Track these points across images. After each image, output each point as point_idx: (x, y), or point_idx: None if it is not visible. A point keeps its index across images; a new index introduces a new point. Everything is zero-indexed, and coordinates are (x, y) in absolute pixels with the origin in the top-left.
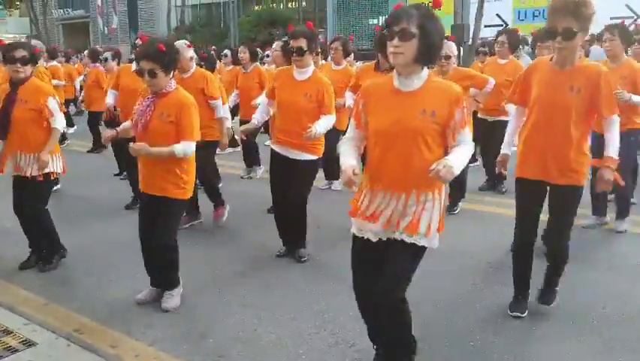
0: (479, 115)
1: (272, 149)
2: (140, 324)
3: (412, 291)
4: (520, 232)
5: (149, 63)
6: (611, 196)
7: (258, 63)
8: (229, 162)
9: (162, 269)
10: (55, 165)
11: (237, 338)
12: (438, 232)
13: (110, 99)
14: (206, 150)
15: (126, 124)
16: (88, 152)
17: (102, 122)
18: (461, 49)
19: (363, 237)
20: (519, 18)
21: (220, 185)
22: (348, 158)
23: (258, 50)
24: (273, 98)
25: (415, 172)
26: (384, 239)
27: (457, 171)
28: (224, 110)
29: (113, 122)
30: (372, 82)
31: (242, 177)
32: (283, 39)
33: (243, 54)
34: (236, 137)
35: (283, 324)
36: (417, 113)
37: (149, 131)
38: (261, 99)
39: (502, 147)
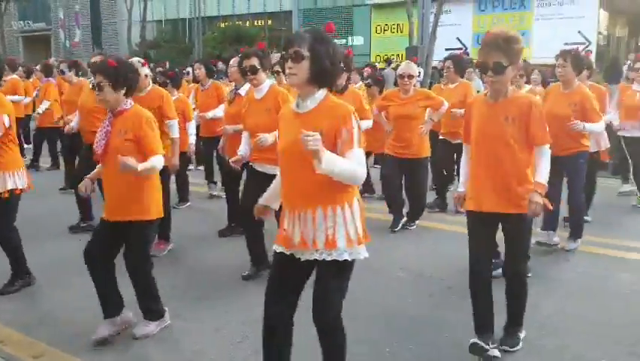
0: (441, 137)
1: (250, 166)
2: (66, 335)
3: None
4: (474, 264)
5: (98, 76)
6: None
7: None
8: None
9: (138, 297)
10: (19, 180)
11: (162, 348)
12: (364, 241)
13: (74, 121)
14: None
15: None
16: (48, 169)
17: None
18: (421, 70)
19: (283, 252)
20: (478, 42)
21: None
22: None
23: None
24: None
25: (316, 189)
26: (303, 259)
27: (325, 156)
28: (190, 128)
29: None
30: (287, 104)
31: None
32: (239, 55)
33: (199, 70)
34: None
35: (210, 335)
36: None
37: (109, 153)
38: (215, 113)
39: (459, 185)
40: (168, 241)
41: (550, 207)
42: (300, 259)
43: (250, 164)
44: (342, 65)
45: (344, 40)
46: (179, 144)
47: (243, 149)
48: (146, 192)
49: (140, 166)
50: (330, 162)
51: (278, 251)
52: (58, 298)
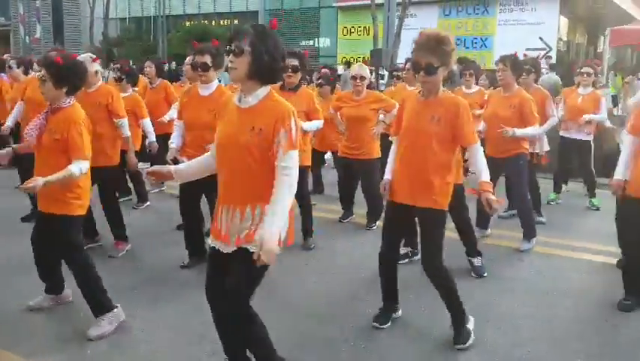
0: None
1: (183, 162)
2: (18, 335)
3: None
4: (383, 249)
5: (43, 70)
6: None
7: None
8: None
9: (83, 293)
10: None
11: (117, 348)
12: (288, 244)
13: (14, 113)
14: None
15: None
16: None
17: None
18: (386, 72)
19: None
20: None
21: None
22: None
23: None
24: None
25: (247, 187)
26: (225, 252)
27: (276, 246)
28: (147, 126)
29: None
30: (228, 96)
31: (149, 191)
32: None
33: (149, 68)
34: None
35: (166, 334)
36: (247, 130)
37: (41, 146)
38: (170, 115)
39: (386, 172)
40: (126, 240)
41: (502, 202)
42: (227, 253)
43: (182, 159)
44: (284, 61)
45: (311, 42)
46: (132, 142)
47: (176, 141)
48: (70, 189)
49: (52, 178)
50: (275, 231)
51: (211, 245)
52: (4, 299)
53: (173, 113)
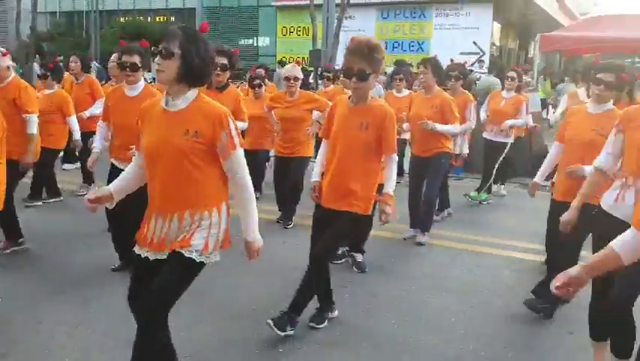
0: None
1: (113, 164)
2: None
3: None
4: (313, 250)
5: None
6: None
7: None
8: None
9: None
10: None
11: (42, 356)
12: (222, 247)
13: None
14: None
15: None
16: None
17: None
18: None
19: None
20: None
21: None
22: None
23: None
24: (108, 120)
25: (185, 192)
26: (152, 258)
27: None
28: (73, 124)
29: None
30: (150, 101)
31: (77, 194)
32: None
33: (74, 64)
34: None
35: (94, 340)
36: (180, 133)
37: None
38: (91, 111)
39: (313, 174)
40: (16, 239)
41: (397, 218)
42: (156, 259)
43: (112, 161)
44: (214, 64)
45: (250, 41)
46: (34, 142)
47: (99, 144)
48: None
49: None
50: (255, 229)
51: (137, 252)
52: None
53: (94, 109)
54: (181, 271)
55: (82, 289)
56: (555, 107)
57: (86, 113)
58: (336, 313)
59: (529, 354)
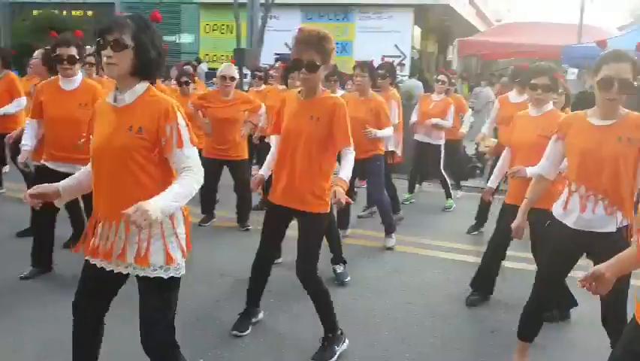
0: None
1: (45, 166)
2: None
3: None
4: (259, 252)
5: None
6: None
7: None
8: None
9: None
10: None
11: None
12: (187, 250)
13: None
14: None
15: None
16: None
17: None
18: (249, 72)
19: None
20: None
21: None
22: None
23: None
24: (40, 116)
25: (131, 195)
26: (108, 269)
27: (158, 214)
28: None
29: None
30: (102, 99)
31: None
32: (46, 47)
33: None
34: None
35: (5, 355)
36: (124, 130)
37: None
38: (5, 110)
39: (262, 168)
40: None
41: (350, 202)
42: (112, 270)
43: (43, 162)
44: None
45: (173, 37)
46: None
47: (29, 142)
48: None
49: None
50: (157, 208)
51: (86, 258)
52: None
53: (9, 108)
54: (157, 294)
55: (13, 308)
56: (473, 109)
57: (0, 111)
58: (260, 315)
59: (453, 351)
